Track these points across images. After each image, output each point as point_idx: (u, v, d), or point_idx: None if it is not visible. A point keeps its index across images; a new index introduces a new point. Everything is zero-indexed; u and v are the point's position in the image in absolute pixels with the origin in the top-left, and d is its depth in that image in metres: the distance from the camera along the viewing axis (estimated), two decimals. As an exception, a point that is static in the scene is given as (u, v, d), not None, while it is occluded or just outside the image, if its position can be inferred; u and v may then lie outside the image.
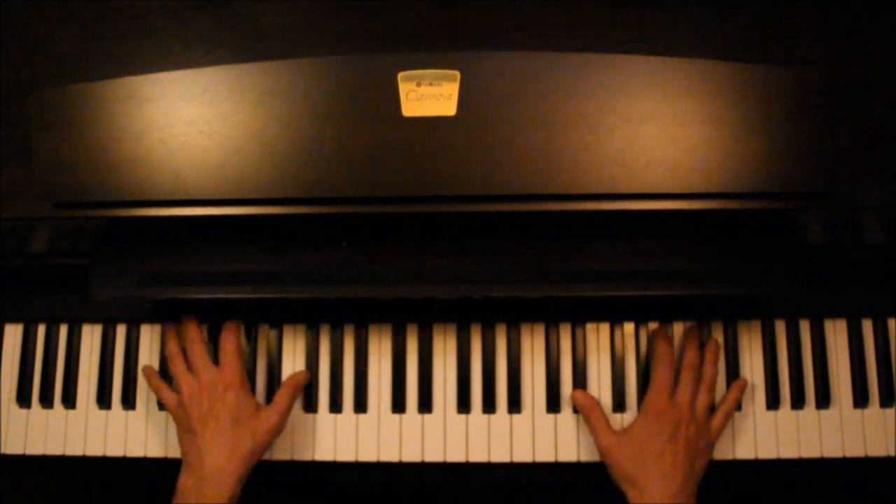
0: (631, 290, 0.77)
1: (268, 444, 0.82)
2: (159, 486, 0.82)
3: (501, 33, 0.76)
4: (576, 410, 0.87)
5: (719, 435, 0.84)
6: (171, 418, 0.88)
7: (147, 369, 0.88)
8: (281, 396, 0.84)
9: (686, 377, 0.83)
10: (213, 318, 0.89)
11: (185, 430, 0.81)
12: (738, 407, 0.86)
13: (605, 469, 0.83)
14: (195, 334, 0.86)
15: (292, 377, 0.87)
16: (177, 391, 0.84)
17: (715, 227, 0.77)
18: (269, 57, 0.74)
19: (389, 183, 0.71)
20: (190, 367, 0.84)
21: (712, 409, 0.84)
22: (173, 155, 0.72)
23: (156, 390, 0.86)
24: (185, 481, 0.79)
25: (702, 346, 0.86)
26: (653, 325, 0.88)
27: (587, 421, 0.85)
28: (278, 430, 0.83)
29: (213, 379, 0.82)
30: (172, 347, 0.86)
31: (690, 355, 0.85)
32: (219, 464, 0.77)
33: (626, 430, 0.82)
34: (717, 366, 0.86)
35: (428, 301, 0.87)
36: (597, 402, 0.85)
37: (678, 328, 0.88)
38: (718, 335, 0.88)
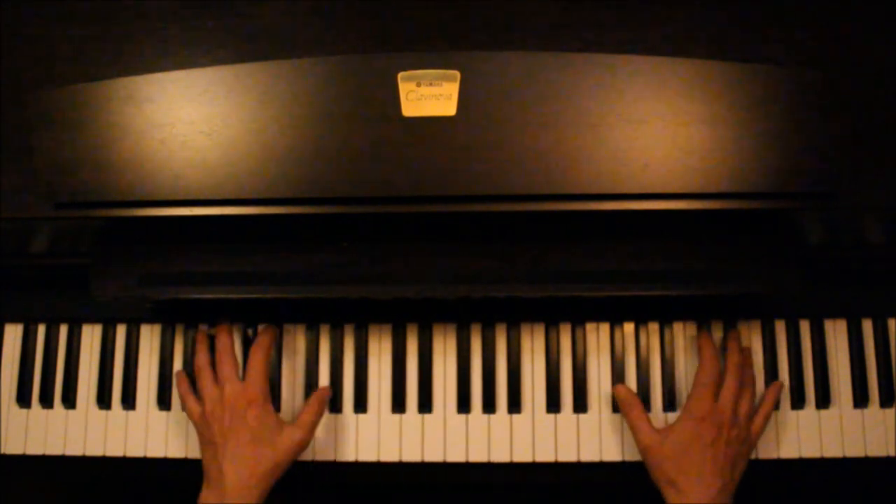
0: (631, 290, 0.77)
1: (291, 461, 0.81)
2: (159, 486, 0.82)
3: (501, 33, 0.76)
4: (576, 410, 0.87)
5: (759, 437, 0.84)
6: (170, 418, 0.88)
7: (179, 374, 0.86)
8: (306, 413, 0.83)
9: (731, 380, 0.82)
10: (249, 319, 0.89)
11: (206, 442, 0.80)
12: (776, 406, 0.86)
13: (604, 469, 0.83)
14: (226, 343, 0.84)
15: (316, 393, 0.85)
16: (202, 402, 0.83)
17: (715, 226, 0.77)
18: (269, 57, 0.74)
19: (389, 183, 0.71)
20: (217, 377, 0.82)
21: None
22: (173, 155, 0.72)
23: (182, 397, 0.84)
24: (206, 497, 0.78)
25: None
26: (653, 325, 0.88)
27: (627, 417, 0.83)
28: (302, 446, 0.81)
29: (237, 394, 0.80)
30: (202, 360, 0.84)
31: (736, 357, 0.84)
32: (239, 480, 0.76)
33: (668, 431, 0.81)
34: (753, 369, 0.86)
35: (428, 301, 0.87)
36: (638, 399, 0.84)
37: (678, 328, 0.88)
38: (718, 335, 0.88)
